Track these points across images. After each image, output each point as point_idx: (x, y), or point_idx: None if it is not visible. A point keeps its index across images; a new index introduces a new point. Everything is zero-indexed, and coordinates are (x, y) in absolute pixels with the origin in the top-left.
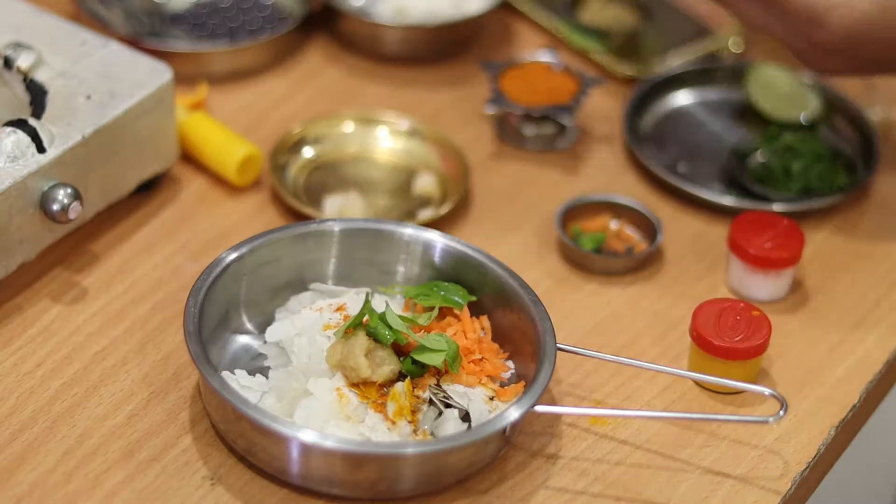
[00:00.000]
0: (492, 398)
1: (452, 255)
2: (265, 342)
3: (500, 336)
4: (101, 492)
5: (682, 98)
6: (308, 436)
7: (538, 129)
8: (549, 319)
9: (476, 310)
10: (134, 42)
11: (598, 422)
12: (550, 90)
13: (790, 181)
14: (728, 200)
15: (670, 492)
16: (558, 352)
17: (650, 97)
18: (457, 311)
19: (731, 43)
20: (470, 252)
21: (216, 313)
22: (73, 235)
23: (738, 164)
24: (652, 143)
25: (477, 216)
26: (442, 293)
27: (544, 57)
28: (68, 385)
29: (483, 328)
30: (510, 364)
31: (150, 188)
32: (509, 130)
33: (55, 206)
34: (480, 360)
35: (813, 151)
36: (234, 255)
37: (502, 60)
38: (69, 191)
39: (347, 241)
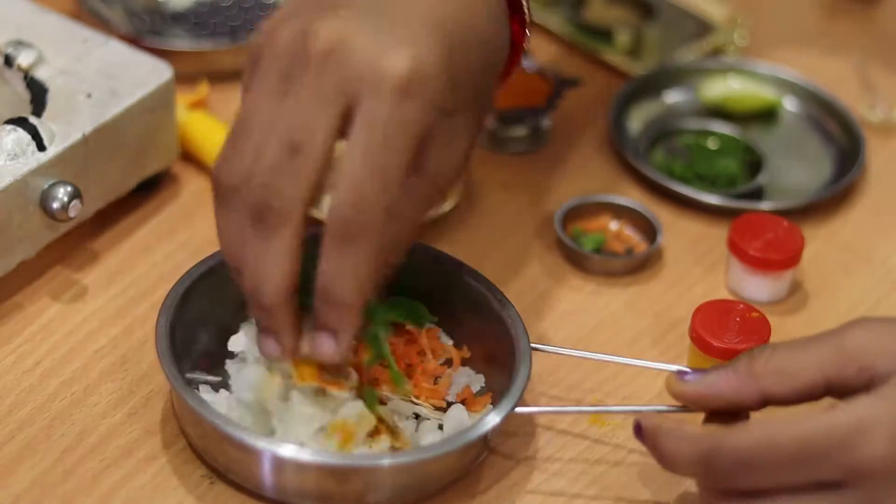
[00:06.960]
0: (437, 408)
1: (417, 264)
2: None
3: (474, 342)
4: (99, 490)
5: (675, 95)
6: (285, 450)
7: (510, 132)
8: (521, 320)
9: (447, 316)
10: (135, 40)
11: (598, 422)
12: (524, 92)
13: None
14: (727, 202)
15: (669, 493)
16: (546, 353)
17: (639, 95)
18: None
19: (737, 37)
20: (433, 258)
21: (189, 329)
22: (72, 233)
23: None
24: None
25: (476, 216)
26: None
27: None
28: (67, 383)
29: (429, 348)
30: (479, 375)
31: (150, 187)
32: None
33: (55, 204)
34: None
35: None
36: (202, 269)
37: None
38: (69, 189)
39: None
